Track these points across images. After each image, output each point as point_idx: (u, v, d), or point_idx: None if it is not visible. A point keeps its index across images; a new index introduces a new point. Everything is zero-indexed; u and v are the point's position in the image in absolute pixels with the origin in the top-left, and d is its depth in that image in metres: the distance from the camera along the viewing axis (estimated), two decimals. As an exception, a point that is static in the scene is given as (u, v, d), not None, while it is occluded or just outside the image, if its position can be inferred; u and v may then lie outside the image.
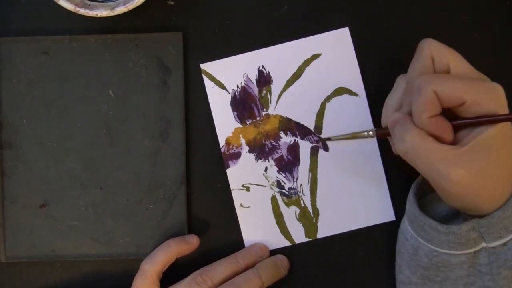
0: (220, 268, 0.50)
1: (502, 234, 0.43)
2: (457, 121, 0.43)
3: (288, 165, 0.53)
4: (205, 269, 0.50)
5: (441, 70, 0.44)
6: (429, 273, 0.46)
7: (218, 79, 0.53)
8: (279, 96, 0.53)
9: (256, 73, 0.53)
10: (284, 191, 0.53)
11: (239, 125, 0.53)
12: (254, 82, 0.53)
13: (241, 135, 0.53)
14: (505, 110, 0.42)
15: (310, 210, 0.53)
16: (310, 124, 0.53)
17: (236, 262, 0.50)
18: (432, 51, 0.44)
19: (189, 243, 0.51)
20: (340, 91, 0.53)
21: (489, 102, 0.41)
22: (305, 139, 0.53)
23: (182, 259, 0.52)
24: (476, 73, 0.44)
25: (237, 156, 0.53)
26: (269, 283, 0.50)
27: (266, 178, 0.53)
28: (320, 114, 0.52)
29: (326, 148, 0.53)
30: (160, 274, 0.50)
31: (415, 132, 0.43)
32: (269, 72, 0.53)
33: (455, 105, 0.42)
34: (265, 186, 0.53)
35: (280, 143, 0.53)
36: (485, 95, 0.42)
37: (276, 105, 0.53)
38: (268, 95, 0.53)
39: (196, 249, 0.51)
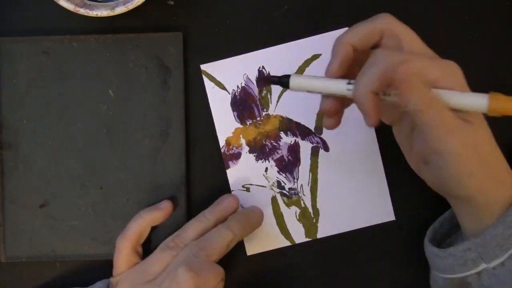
0: (190, 230, 0.49)
1: (498, 253, 0.42)
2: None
3: (288, 165, 0.53)
4: (176, 234, 0.50)
5: (387, 45, 0.43)
6: None
7: (218, 79, 0.53)
8: (279, 97, 0.53)
9: (256, 73, 0.53)
10: (284, 191, 0.53)
11: (239, 125, 0.53)
12: (254, 82, 0.53)
13: (241, 136, 0.53)
14: (466, 88, 0.42)
15: (310, 210, 0.53)
16: (311, 124, 0.53)
17: (205, 220, 0.50)
18: (386, 26, 0.44)
19: (161, 209, 0.51)
20: (340, 91, 0.52)
21: (447, 79, 0.41)
22: (305, 139, 0.53)
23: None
24: (431, 53, 0.44)
25: (237, 156, 0.53)
26: (242, 235, 0.49)
27: (266, 178, 0.53)
28: (321, 114, 0.52)
29: (326, 149, 0.53)
30: (137, 246, 0.50)
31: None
32: (269, 73, 0.53)
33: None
34: (265, 187, 0.53)
35: (281, 143, 0.53)
36: (447, 71, 0.42)
37: (276, 105, 0.53)
38: (268, 95, 0.53)
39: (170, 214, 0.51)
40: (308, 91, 0.44)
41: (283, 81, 0.44)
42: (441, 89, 0.41)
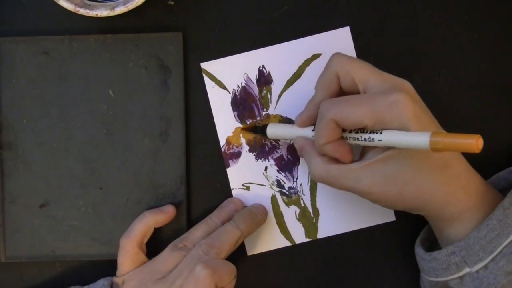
0: (198, 232, 0.50)
1: (481, 256, 0.42)
2: (353, 142, 0.44)
3: (288, 164, 0.53)
4: (183, 236, 0.50)
5: (347, 85, 0.45)
6: None
7: (219, 78, 0.53)
8: (279, 96, 0.53)
9: (257, 72, 0.53)
10: (284, 190, 0.53)
11: (239, 124, 0.53)
12: (255, 82, 0.53)
13: (241, 135, 0.53)
14: (410, 121, 0.40)
15: (310, 210, 0.53)
16: (310, 124, 0.53)
17: (212, 222, 0.51)
18: (337, 67, 0.45)
19: (165, 212, 0.51)
20: (340, 91, 0.52)
21: (391, 119, 0.41)
22: (305, 138, 0.53)
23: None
24: (384, 80, 0.43)
25: (237, 155, 0.53)
26: (248, 232, 0.50)
27: (266, 177, 0.53)
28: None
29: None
30: (142, 245, 0.50)
31: (317, 162, 0.45)
32: (269, 72, 0.53)
33: (358, 128, 0.43)
34: (265, 186, 0.53)
35: (280, 142, 0.53)
36: (386, 114, 0.41)
37: (276, 105, 0.53)
38: (268, 95, 0.53)
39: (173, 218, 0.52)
40: (283, 138, 0.52)
41: (263, 131, 0.51)
42: (383, 130, 0.42)
